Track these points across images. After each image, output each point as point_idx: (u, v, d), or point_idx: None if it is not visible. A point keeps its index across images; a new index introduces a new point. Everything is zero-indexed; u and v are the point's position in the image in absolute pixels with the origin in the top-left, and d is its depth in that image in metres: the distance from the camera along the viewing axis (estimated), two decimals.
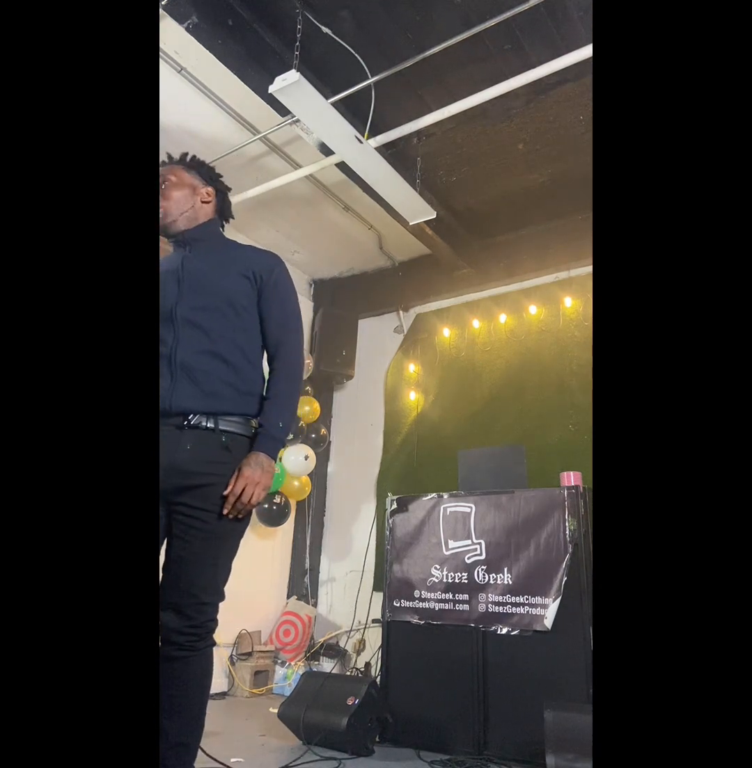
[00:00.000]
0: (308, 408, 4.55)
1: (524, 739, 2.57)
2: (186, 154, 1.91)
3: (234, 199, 3.88)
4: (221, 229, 1.91)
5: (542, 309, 4.34)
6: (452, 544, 3.01)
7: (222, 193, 1.90)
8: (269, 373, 1.66)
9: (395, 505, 3.25)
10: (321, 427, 4.71)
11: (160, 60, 3.09)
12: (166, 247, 1.79)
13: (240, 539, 1.63)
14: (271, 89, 2.74)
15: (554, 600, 2.65)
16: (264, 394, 1.65)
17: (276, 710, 2.93)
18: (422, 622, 2.97)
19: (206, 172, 1.87)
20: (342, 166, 3.51)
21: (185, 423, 1.54)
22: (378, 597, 3.41)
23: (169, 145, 3.64)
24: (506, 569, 2.82)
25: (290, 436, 4.37)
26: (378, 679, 3.02)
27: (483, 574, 2.87)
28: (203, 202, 1.83)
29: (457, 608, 2.90)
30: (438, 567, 3.01)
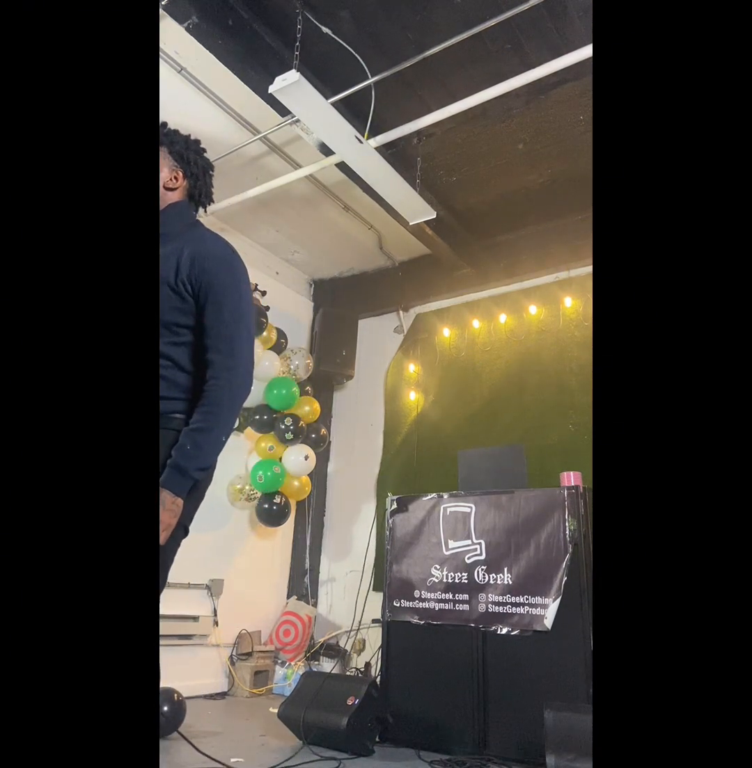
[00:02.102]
0: (308, 408, 4.55)
1: (524, 739, 2.57)
2: (163, 124, 1.66)
3: (234, 199, 3.91)
4: (193, 214, 1.68)
5: (542, 309, 4.34)
6: (452, 544, 3.01)
7: (195, 176, 1.65)
8: (201, 395, 1.47)
9: (395, 505, 3.25)
10: (321, 427, 4.71)
11: (161, 60, 3.09)
12: None
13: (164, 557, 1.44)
14: (271, 89, 2.74)
15: (554, 600, 2.65)
16: (191, 417, 1.46)
17: (276, 710, 2.93)
18: (422, 622, 2.97)
19: (178, 151, 1.63)
20: (342, 166, 3.51)
21: None
22: (378, 597, 3.41)
23: None
24: (506, 569, 2.82)
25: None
26: (378, 679, 3.02)
27: (483, 574, 2.87)
28: (166, 188, 1.60)
29: (457, 608, 2.90)
30: (438, 567, 3.01)
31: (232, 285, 1.51)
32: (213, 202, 1.76)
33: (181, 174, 1.63)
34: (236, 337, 1.49)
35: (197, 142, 1.70)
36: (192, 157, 1.66)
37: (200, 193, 1.68)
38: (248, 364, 1.52)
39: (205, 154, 1.71)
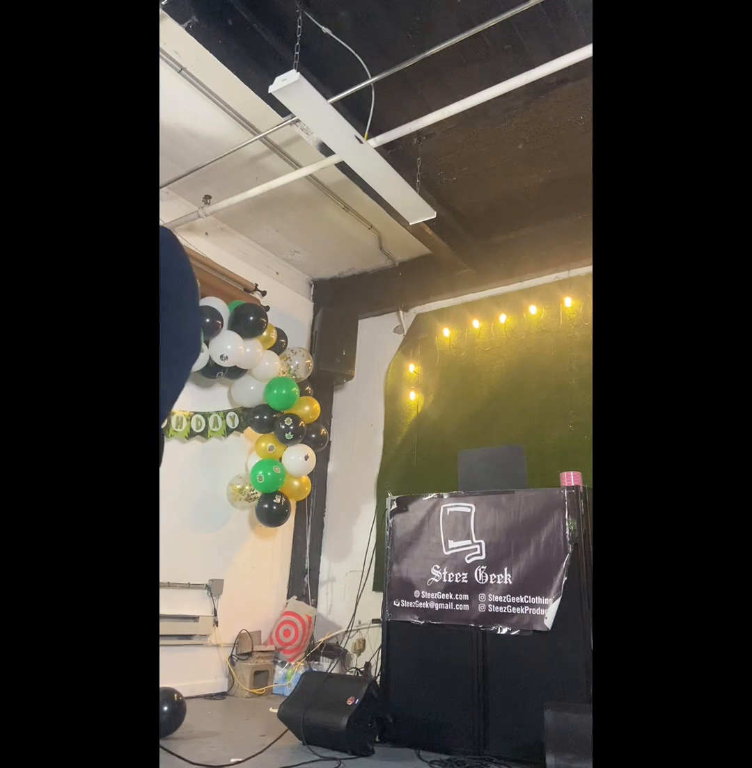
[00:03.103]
0: (308, 408, 4.55)
1: (525, 739, 2.56)
2: None
3: (234, 199, 3.91)
4: None
5: (542, 309, 4.34)
6: (452, 544, 3.01)
7: None
8: None
9: (395, 505, 3.25)
10: (321, 427, 4.71)
11: (161, 60, 3.09)
12: None
13: None
14: (271, 89, 2.74)
15: (554, 600, 2.65)
16: None
17: (276, 710, 2.93)
18: (422, 622, 2.97)
19: None
20: (342, 166, 3.50)
21: None
22: (377, 597, 3.42)
23: (169, 145, 3.65)
24: (506, 569, 2.82)
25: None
26: (378, 679, 3.02)
27: (483, 574, 2.87)
28: None
29: (457, 608, 2.90)
30: (438, 567, 3.01)
31: (172, 250, 1.61)
32: None
33: None
34: (183, 294, 1.56)
35: None
36: None
37: None
38: (196, 322, 1.58)
39: None
